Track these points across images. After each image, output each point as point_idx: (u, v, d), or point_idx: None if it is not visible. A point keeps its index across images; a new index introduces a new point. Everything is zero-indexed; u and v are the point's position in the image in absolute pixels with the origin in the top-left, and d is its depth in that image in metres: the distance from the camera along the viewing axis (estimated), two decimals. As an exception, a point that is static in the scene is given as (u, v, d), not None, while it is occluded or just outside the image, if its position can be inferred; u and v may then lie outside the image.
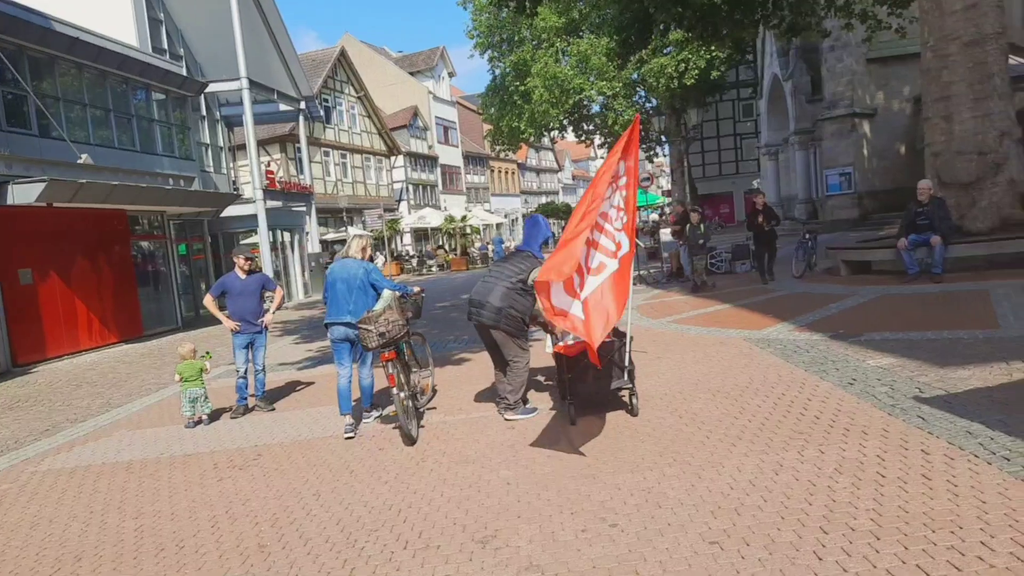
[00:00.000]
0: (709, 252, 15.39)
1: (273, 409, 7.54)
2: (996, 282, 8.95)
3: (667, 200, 47.30)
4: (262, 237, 21.74)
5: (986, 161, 10.25)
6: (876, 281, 10.42)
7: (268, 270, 21.94)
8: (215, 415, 7.50)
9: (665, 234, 17.22)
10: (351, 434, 6.01)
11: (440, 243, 42.71)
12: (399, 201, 43.76)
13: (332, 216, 34.96)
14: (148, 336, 16.21)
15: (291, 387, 8.69)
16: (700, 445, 4.72)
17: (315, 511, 4.41)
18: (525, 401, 6.02)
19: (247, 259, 7.43)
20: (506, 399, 5.89)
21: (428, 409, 6.69)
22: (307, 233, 26.03)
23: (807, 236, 12.55)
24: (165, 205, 16.73)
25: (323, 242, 31.31)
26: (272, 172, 24.56)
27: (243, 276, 7.43)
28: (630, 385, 5.69)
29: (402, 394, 5.62)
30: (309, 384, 8.83)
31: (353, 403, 6.36)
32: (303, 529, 4.14)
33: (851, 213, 24.84)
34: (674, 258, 16.44)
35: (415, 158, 46.32)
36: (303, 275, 25.34)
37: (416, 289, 6.62)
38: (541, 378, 7.37)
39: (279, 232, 24.27)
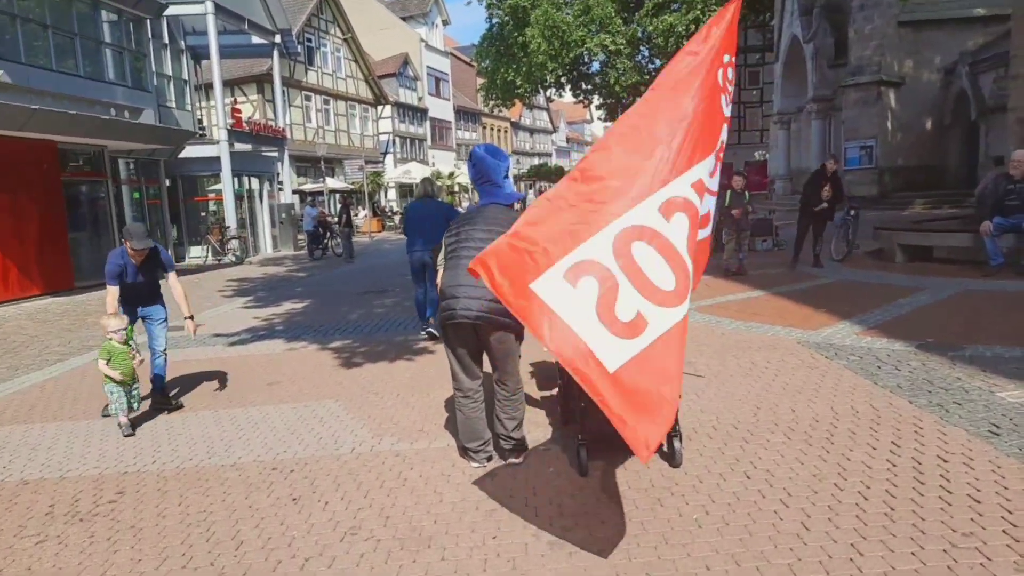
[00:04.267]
0: (757, 228, 13.16)
1: (178, 407, 5.62)
2: (1111, 283, 7.17)
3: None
4: (225, 182, 19.59)
5: (1089, 131, 8.40)
6: (945, 271, 8.60)
7: (231, 219, 19.82)
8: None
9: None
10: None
11: (426, 200, 40.43)
12: (384, 154, 41.38)
13: (312, 165, 32.59)
14: (80, 288, 14.14)
15: (211, 374, 6.73)
16: (796, 540, 2.88)
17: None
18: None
19: (136, 251, 5.31)
20: (509, 436, 3.95)
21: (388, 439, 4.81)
22: (279, 181, 23.81)
23: (850, 212, 10.66)
24: (104, 138, 14.50)
25: (299, 192, 29.08)
26: (239, 111, 22.19)
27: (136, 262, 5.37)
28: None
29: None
30: (244, 370, 6.87)
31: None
32: None
33: (870, 190, 22.99)
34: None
35: (404, 109, 43.78)
36: (272, 227, 23.18)
37: None
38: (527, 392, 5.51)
39: (246, 178, 22.04)
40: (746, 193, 10.58)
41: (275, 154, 23.66)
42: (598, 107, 47.16)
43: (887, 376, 5.02)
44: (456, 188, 40.22)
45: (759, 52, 41.39)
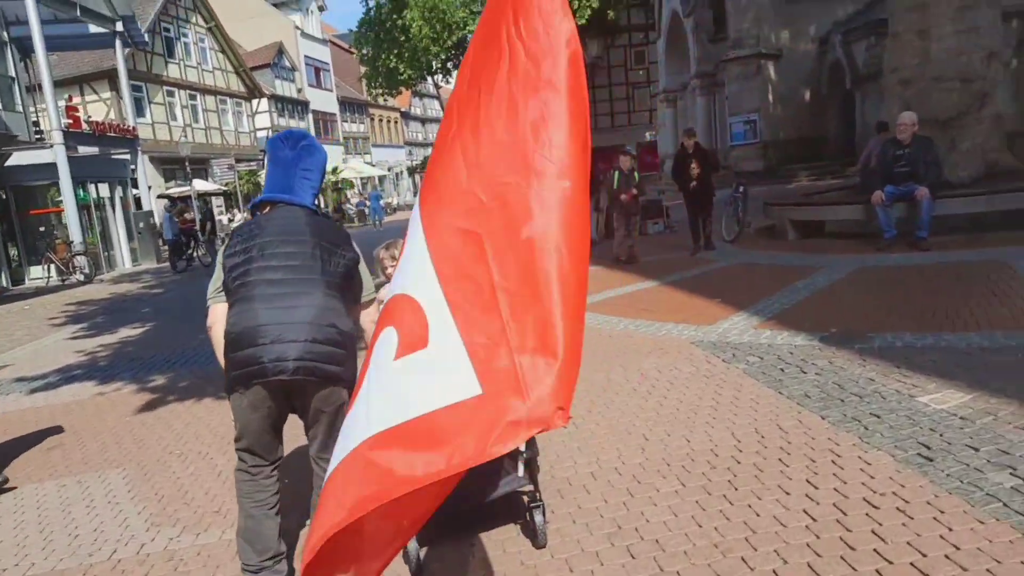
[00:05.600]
0: (648, 210, 12.49)
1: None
2: (1007, 249, 6.79)
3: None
4: (65, 191, 17.32)
5: (971, 90, 8.08)
6: (838, 248, 8.11)
7: (75, 232, 17.60)
8: None
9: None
10: None
11: (312, 198, 38.28)
12: (264, 151, 38.90)
13: (180, 167, 29.95)
14: None
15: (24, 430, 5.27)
16: None
17: None
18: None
19: None
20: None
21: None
22: (135, 187, 21.52)
23: (739, 188, 10.12)
24: None
25: (167, 197, 26.59)
26: (75, 109, 19.75)
27: None
28: (530, 487, 2.88)
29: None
30: (25, 428, 5.41)
31: None
32: None
33: (756, 164, 23.12)
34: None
35: (282, 102, 41.32)
36: (130, 239, 20.90)
37: None
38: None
39: (94, 185, 19.69)
40: (635, 174, 9.78)
41: (126, 157, 21.32)
42: (487, 93, 46.14)
43: (793, 382, 4.26)
44: (341, 184, 38.27)
45: (643, 31, 41.52)
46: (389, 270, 3.40)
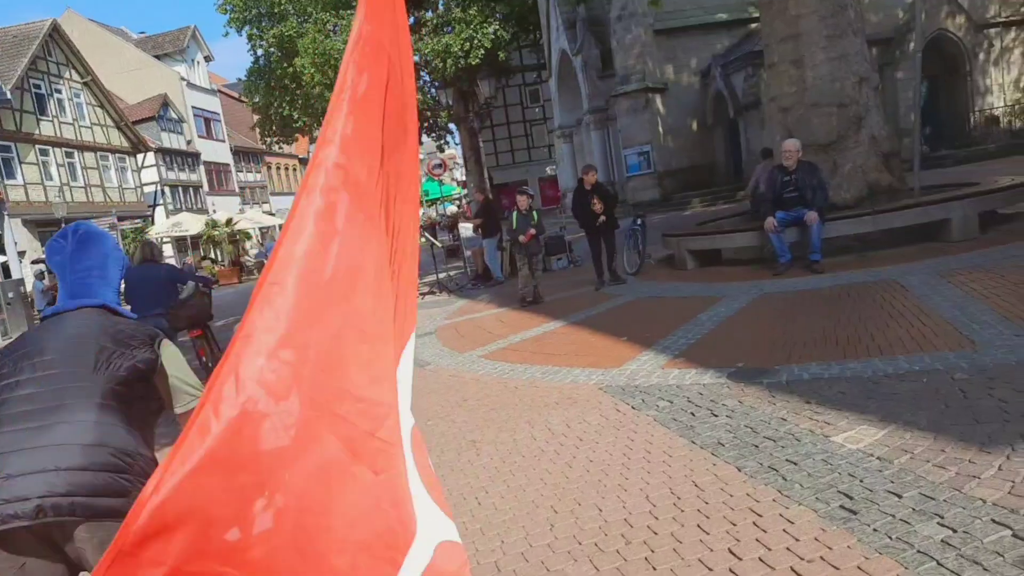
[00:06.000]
0: (550, 246, 12.27)
1: None
2: (895, 267, 6.93)
3: (463, 191, 44.76)
4: (-84, 266, 15.59)
5: (847, 115, 8.36)
6: (737, 275, 8.13)
7: (-69, 310, 15.85)
8: None
9: (466, 229, 14.24)
10: None
11: (206, 254, 36.56)
12: (153, 206, 36.99)
13: (57, 228, 27.91)
14: None
15: None
16: None
17: None
18: None
19: None
20: None
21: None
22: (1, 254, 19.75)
23: (638, 221, 10.12)
24: None
25: (42, 262, 24.63)
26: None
27: None
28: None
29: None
30: None
31: None
32: None
33: (653, 194, 23.73)
34: (477, 257, 13.50)
35: (171, 155, 39.54)
36: (-1, 310, 19.08)
37: None
38: None
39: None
40: (533, 213, 9.60)
41: (-10, 222, 19.59)
42: (387, 136, 45.58)
43: (704, 428, 4.03)
44: (238, 236, 36.72)
45: (535, 71, 42.35)
46: None
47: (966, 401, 3.67)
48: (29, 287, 21.10)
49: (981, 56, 21.54)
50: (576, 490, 3.57)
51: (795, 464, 3.35)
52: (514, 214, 9.38)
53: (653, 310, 7.54)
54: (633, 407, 4.63)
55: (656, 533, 2.99)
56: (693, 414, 4.29)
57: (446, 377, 6.41)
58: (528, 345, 7.03)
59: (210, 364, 7.60)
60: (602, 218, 9.00)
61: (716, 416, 4.18)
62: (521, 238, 9.13)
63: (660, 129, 24.28)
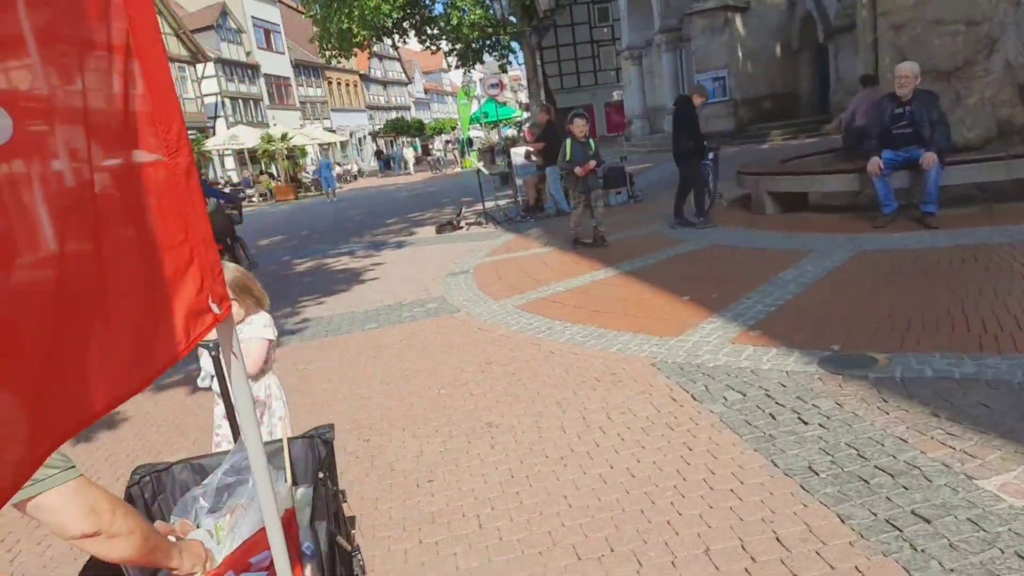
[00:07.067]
0: (609, 178, 10.97)
1: None
2: (1032, 227, 5.60)
3: (525, 114, 42.91)
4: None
5: (977, 34, 6.78)
6: (828, 225, 6.87)
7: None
8: None
9: (517, 155, 13.06)
10: None
11: (264, 168, 36.26)
12: (213, 118, 36.78)
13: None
14: None
15: None
16: None
17: None
18: None
19: None
20: None
21: None
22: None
23: (709, 154, 8.78)
24: None
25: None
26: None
27: None
28: None
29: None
30: None
31: None
32: None
33: (727, 124, 21.88)
34: (530, 186, 12.39)
35: (231, 66, 39.02)
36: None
37: None
38: None
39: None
40: (590, 141, 8.19)
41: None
42: (447, 53, 44.05)
43: (790, 442, 3.02)
44: (294, 152, 36.14)
45: (606, -15, 39.75)
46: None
47: None
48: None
49: None
50: (609, 523, 2.65)
51: (927, 523, 2.33)
52: (567, 142, 8.04)
53: (723, 263, 6.40)
54: (694, 396, 3.64)
55: (719, 620, 2.06)
56: (773, 416, 3.27)
57: (473, 330, 5.51)
58: (572, 297, 6.04)
59: None
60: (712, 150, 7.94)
61: (805, 424, 3.16)
62: (577, 170, 7.88)
63: (739, 53, 22.15)
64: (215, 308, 1.28)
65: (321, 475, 2.02)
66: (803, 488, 2.66)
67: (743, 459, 2.94)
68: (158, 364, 1.14)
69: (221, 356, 2.39)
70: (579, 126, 8.07)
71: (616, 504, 2.77)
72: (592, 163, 7.87)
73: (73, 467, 1.38)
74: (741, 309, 4.87)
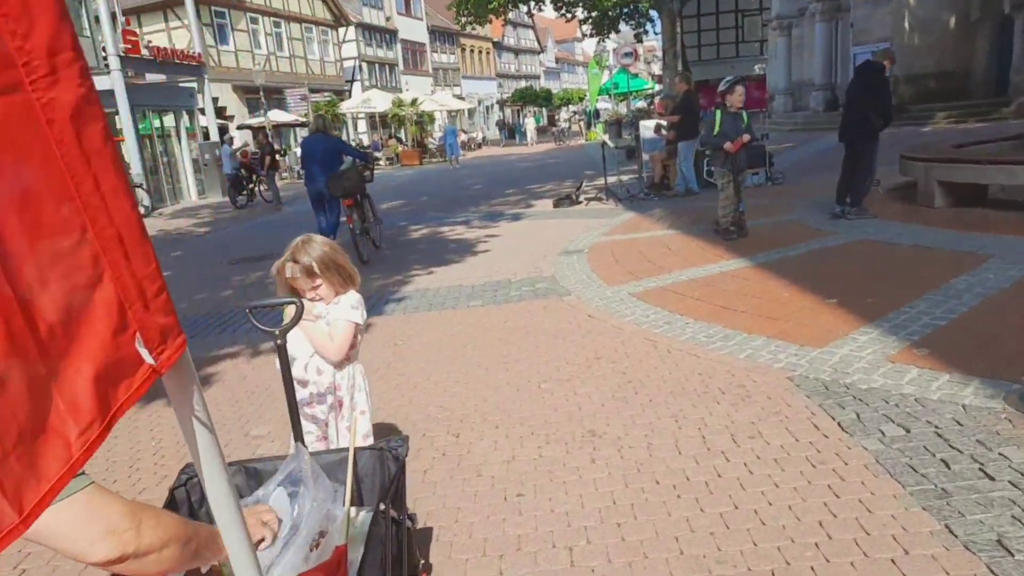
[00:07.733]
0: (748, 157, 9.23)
1: None
2: None
3: (657, 86, 41.20)
4: (123, 121, 16.58)
5: None
6: (1012, 226, 5.84)
7: (135, 164, 16.95)
8: None
9: (647, 129, 12.31)
10: None
11: (393, 132, 37.04)
12: (351, 81, 37.90)
13: (264, 97, 29.12)
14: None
15: None
16: None
17: None
18: None
19: None
20: None
21: None
22: (200, 116, 20.73)
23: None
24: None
25: (248, 128, 25.89)
26: (133, 33, 18.83)
27: None
28: None
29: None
30: None
31: None
32: None
33: (884, 103, 19.84)
34: (656, 162, 11.67)
35: (370, 31, 39.98)
36: (196, 171, 20.22)
37: None
38: None
39: (154, 116, 18.95)
40: (743, 114, 7.08)
41: (193, 84, 20.47)
42: (583, 21, 42.93)
43: (971, 502, 2.39)
44: (422, 118, 36.59)
45: (757, -50, 37.29)
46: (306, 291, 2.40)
47: None
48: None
49: None
50: (730, 583, 2.16)
51: None
52: (717, 113, 6.99)
53: (879, 262, 5.57)
54: (842, 425, 3.03)
55: None
56: (947, 464, 2.63)
57: (583, 317, 5.06)
58: (695, 288, 5.44)
59: (356, 231, 8.05)
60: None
61: (991, 479, 2.50)
62: (728, 145, 6.88)
63: (906, 23, 19.97)
64: (147, 355, 0.77)
65: (383, 506, 1.66)
66: (991, 571, 2.05)
67: (907, 519, 2.35)
68: (48, 477, 0.69)
69: (285, 347, 2.09)
70: (739, 94, 7.04)
71: (740, 558, 2.27)
72: (746, 136, 6.96)
73: (83, 474, 1.05)
74: (902, 320, 4.13)
